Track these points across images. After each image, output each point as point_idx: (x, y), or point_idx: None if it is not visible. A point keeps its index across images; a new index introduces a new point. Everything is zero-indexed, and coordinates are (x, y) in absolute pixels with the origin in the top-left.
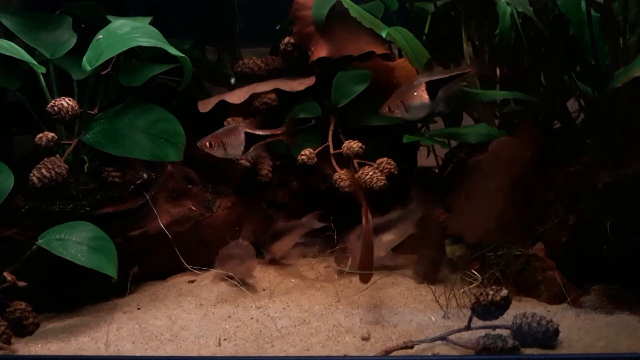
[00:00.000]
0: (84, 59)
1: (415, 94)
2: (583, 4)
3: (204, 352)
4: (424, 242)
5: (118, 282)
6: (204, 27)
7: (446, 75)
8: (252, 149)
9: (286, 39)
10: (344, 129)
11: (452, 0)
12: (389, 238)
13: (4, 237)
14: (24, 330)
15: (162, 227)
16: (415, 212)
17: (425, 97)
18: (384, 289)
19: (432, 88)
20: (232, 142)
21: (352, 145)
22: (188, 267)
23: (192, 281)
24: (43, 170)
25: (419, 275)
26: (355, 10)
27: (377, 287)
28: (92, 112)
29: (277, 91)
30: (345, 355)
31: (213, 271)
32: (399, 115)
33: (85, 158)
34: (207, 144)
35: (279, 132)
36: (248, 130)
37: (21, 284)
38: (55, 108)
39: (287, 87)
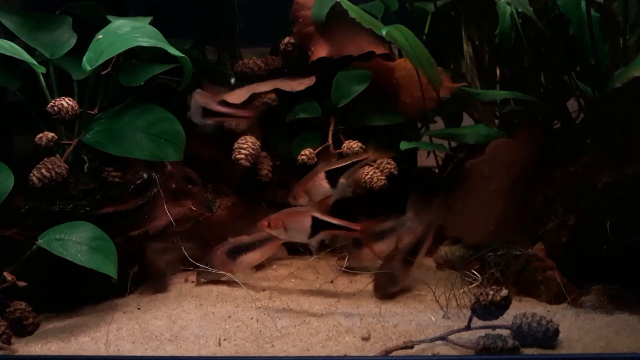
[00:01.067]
0: (84, 59)
1: (315, 183)
2: (583, 4)
3: (204, 352)
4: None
5: (118, 282)
6: (204, 27)
7: (344, 164)
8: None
9: (286, 39)
10: (344, 129)
11: (452, 0)
12: (379, 248)
13: (4, 237)
14: (24, 330)
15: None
16: (408, 223)
17: (325, 185)
18: None
19: (331, 176)
20: (296, 226)
21: (352, 145)
22: (197, 265)
23: (192, 281)
24: (43, 170)
25: (377, 290)
26: (354, 11)
27: None
28: (92, 112)
29: (277, 91)
30: (345, 355)
31: (213, 271)
32: (304, 203)
33: (85, 158)
34: (267, 223)
35: (355, 227)
36: (316, 215)
37: (21, 284)
38: (55, 108)
39: (287, 87)
